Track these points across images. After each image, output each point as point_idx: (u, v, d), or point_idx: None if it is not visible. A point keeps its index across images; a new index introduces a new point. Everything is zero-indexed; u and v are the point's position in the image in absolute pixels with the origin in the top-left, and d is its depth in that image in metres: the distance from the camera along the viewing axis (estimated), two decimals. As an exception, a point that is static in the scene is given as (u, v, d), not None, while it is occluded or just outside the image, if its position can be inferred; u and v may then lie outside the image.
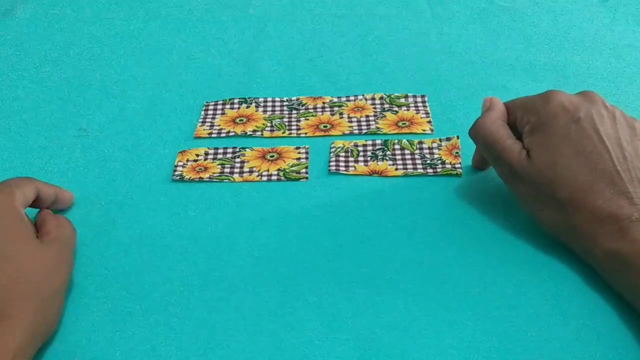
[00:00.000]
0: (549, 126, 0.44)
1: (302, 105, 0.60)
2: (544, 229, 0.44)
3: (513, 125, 0.47)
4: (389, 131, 0.56)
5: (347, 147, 0.55)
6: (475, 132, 0.48)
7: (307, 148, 0.55)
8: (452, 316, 0.41)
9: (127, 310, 0.42)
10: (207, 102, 0.61)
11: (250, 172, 0.53)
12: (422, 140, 0.55)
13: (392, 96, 0.61)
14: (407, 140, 0.55)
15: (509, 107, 0.48)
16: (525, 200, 0.45)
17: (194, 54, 0.68)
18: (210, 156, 0.54)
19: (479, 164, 0.52)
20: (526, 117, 0.45)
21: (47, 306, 0.38)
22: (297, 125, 0.58)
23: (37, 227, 0.44)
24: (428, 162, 0.53)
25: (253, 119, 0.58)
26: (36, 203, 0.46)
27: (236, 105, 0.60)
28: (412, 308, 0.42)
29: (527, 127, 0.45)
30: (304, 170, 0.53)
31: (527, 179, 0.43)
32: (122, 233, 0.47)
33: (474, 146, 0.54)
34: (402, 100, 0.60)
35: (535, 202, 0.44)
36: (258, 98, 0.61)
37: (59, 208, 0.48)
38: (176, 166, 0.53)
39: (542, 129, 0.44)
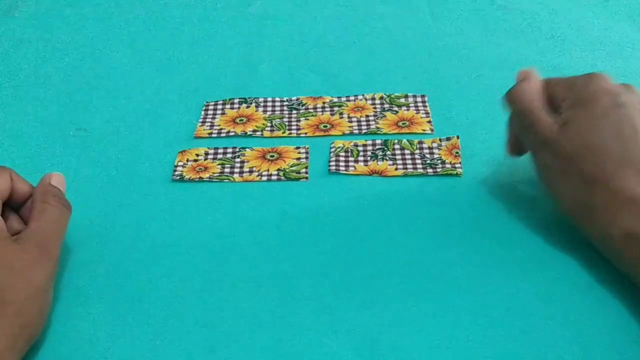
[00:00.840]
0: (590, 104, 0.43)
1: (302, 105, 0.60)
2: (562, 206, 0.44)
3: (549, 100, 0.46)
4: (389, 131, 0.56)
5: (347, 147, 0.55)
6: (512, 98, 0.47)
7: (307, 148, 0.55)
8: (452, 316, 0.41)
9: (127, 310, 0.42)
10: (207, 102, 0.61)
11: (250, 172, 0.53)
12: (422, 140, 0.55)
13: (392, 96, 0.61)
14: (407, 140, 0.55)
15: (548, 82, 0.47)
16: (549, 172, 0.44)
17: (194, 54, 0.68)
18: (210, 156, 0.54)
19: (515, 149, 0.50)
20: (566, 93, 0.45)
21: (26, 308, 0.37)
22: (297, 125, 0.58)
23: (23, 212, 0.43)
24: (428, 162, 0.53)
25: (253, 119, 0.58)
26: (8, 199, 0.42)
27: (236, 105, 0.60)
28: (412, 308, 0.42)
29: (566, 102, 0.45)
30: (304, 170, 0.53)
31: (557, 148, 0.43)
32: (122, 233, 0.47)
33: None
34: (402, 100, 0.60)
35: (559, 175, 0.43)
36: (258, 98, 0.61)
37: None
38: (176, 166, 0.53)
39: (582, 106, 0.44)
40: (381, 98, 0.60)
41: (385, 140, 0.55)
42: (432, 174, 0.52)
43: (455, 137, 0.55)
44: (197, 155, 0.54)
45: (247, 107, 0.60)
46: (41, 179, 0.44)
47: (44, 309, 0.39)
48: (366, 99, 0.60)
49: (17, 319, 0.36)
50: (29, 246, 0.39)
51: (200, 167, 0.53)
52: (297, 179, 0.52)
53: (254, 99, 0.61)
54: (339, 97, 0.61)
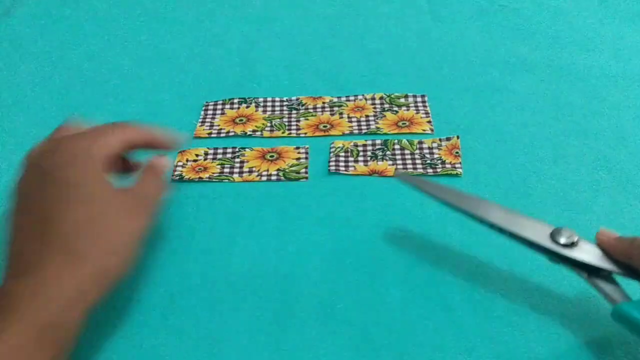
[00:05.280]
0: None
1: (302, 105, 0.60)
2: None
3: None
4: (389, 131, 0.56)
5: (347, 147, 0.55)
6: None
7: (307, 148, 0.55)
8: (452, 316, 0.41)
9: (126, 310, 0.42)
10: (207, 102, 0.61)
11: (250, 172, 0.53)
12: (422, 140, 0.55)
13: (392, 96, 0.61)
14: (407, 140, 0.55)
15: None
16: None
17: (194, 54, 0.68)
18: (210, 156, 0.54)
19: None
20: None
21: (115, 253, 0.38)
22: (296, 125, 0.58)
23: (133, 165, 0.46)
24: (428, 162, 0.53)
25: (253, 119, 0.58)
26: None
27: (236, 105, 0.60)
28: (412, 308, 0.42)
29: None
30: (303, 170, 0.53)
31: None
32: (122, 233, 0.47)
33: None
34: (402, 100, 0.60)
35: None
36: (258, 98, 0.61)
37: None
38: (176, 166, 0.53)
39: None
40: (381, 98, 0.60)
41: (385, 140, 0.55)
42: (432, 174, 0.52)
43: (455, 137, 0.55)
44: (197, 155, 0.54)
45: (247, 107, 0.60)
46: (156, 156, 0.45)
47: (129, 262, 0.39)
48: (366, 99, 0.60)
49: (104, 260, 0.37)
50: (129, 199, 0.40)
51: (200, 167, 0.53)
52: (297, 179, 0.52)
53: (254, 99, 0.61)
54: (338, 97, 0.61)
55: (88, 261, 0.36)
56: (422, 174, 0.52)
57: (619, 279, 0.39)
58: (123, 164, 0.46)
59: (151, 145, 0.45)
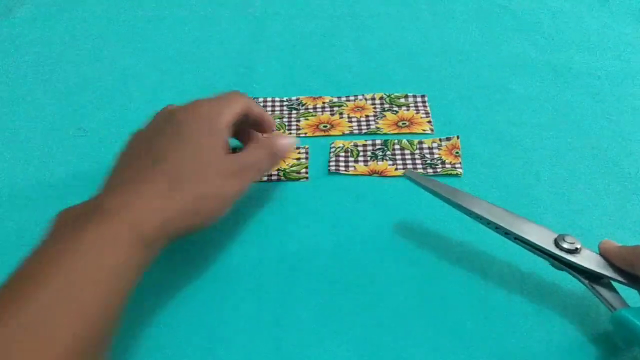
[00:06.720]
0: None
1: (302, 105, 0.60)
2: None
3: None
4: (389, 131, 0.56)
5: (347, 147, 0.55)
6: None
7: (307, 148, 0.55)
8: (452, 316, 0.41)
9: (126, 309, 0.42)
10: (207, 102, 0.61)
11: (250, 172, 0.53)
12: (422, 140, 0.55)
13: (392, 96, 0.61)
14: (407, 140, 0.55)
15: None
16: None
17: (194, 53, 0.68)
18: (210, 156, 0.54)
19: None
20: None
21: (205, 202, 0.40)
22: (296, 125, 0.58)
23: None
24: (428, 162, 0.53)
25: (253, 119, 0.58)
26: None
27: (236, 105, 0.60)
28: (412, 308, 0.42)
29: None
30: (303, 170, 0.53)
31: None
32: (122, 233, 0.47)
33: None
34: (402, 100, 0.60)
35: None
36: (258, 98, 0.61)
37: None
38: (176, 166, 0.53)
39: None
40: (381, 98, 0.60)
41: (385, 140, 0.55)
42: (432, 174, 0.52)
43: (455, 137, 0.55)
44: (197, 155, 0.54)
45: (247, 107, 0.60)
46: (283, 137, 0.48)
47: (209, 217, 0.41)
48: (366, 99, 0.60)
49: (190, 205, 0.40)
50: (235, 164, 0.43)
51: (200, 167, 0.53)
52: (297, 179, 0.52)
53: (254, 99, 0.61)
54: (339, 97, 0.61)
55: (178, 200, 0.39)
56: (422, 174, 0.52)
57: (619, 286, 0.40)
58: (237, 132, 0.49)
59: (261, 122, 0.49)
